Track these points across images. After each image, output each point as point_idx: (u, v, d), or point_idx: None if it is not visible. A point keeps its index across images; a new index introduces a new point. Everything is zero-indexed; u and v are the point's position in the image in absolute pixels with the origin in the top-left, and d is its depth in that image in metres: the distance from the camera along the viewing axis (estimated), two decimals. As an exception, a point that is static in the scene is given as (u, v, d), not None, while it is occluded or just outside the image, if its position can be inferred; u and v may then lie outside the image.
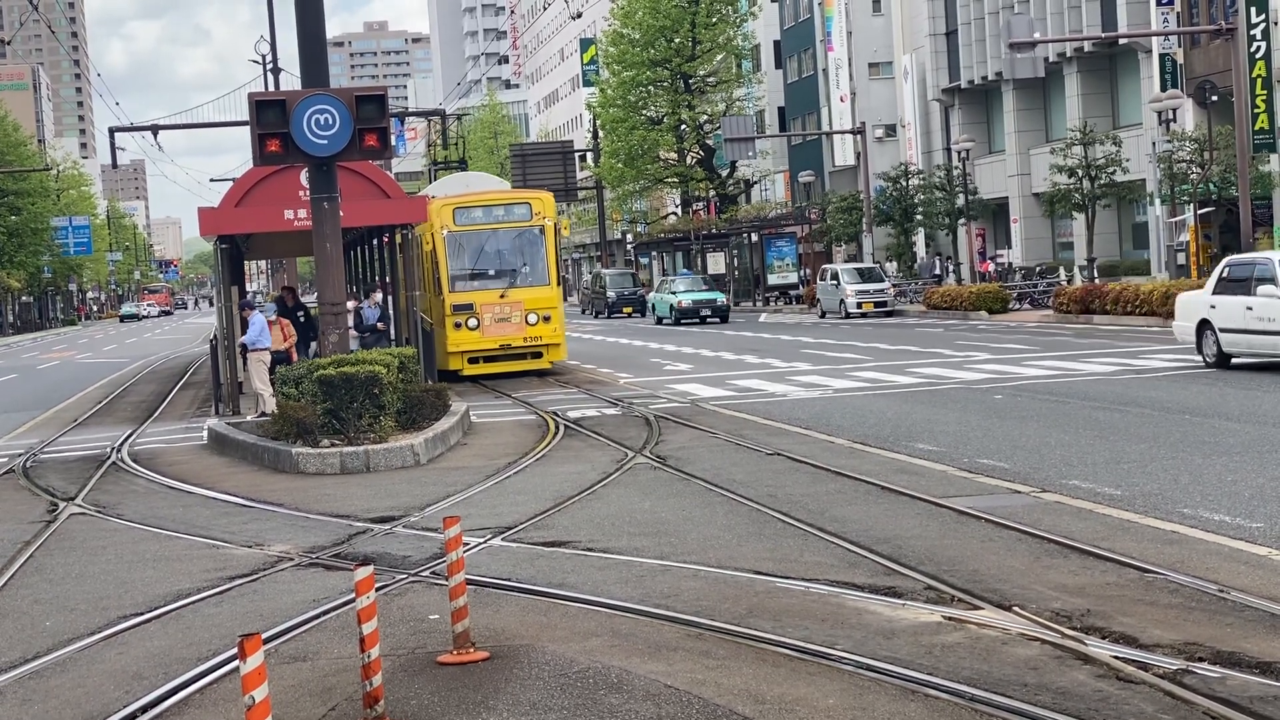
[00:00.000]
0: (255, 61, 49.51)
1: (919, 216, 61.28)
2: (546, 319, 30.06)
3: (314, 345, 24.72)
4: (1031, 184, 60.42)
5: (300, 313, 28.01)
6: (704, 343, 39.76)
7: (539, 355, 30.38)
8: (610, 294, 67.02)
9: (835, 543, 11.03)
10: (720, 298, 54.73)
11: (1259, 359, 22.73)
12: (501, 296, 29.91)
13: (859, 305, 50.58)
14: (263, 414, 22.53)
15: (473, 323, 29.76)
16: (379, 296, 28.96)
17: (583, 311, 74.09)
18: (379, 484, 16.02)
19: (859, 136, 64.77)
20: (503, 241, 30.64)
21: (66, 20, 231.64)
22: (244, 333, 23.80)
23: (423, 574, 10.80)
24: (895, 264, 64.00)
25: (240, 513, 14.78)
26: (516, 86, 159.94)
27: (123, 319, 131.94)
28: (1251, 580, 9.11)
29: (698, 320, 52.59)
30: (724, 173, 77.12)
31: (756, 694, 7.30)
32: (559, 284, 30.97)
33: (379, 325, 27.17)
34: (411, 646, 8.68)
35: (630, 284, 68.72)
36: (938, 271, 61.29)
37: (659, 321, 55.03)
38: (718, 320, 52.64)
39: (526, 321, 29.90)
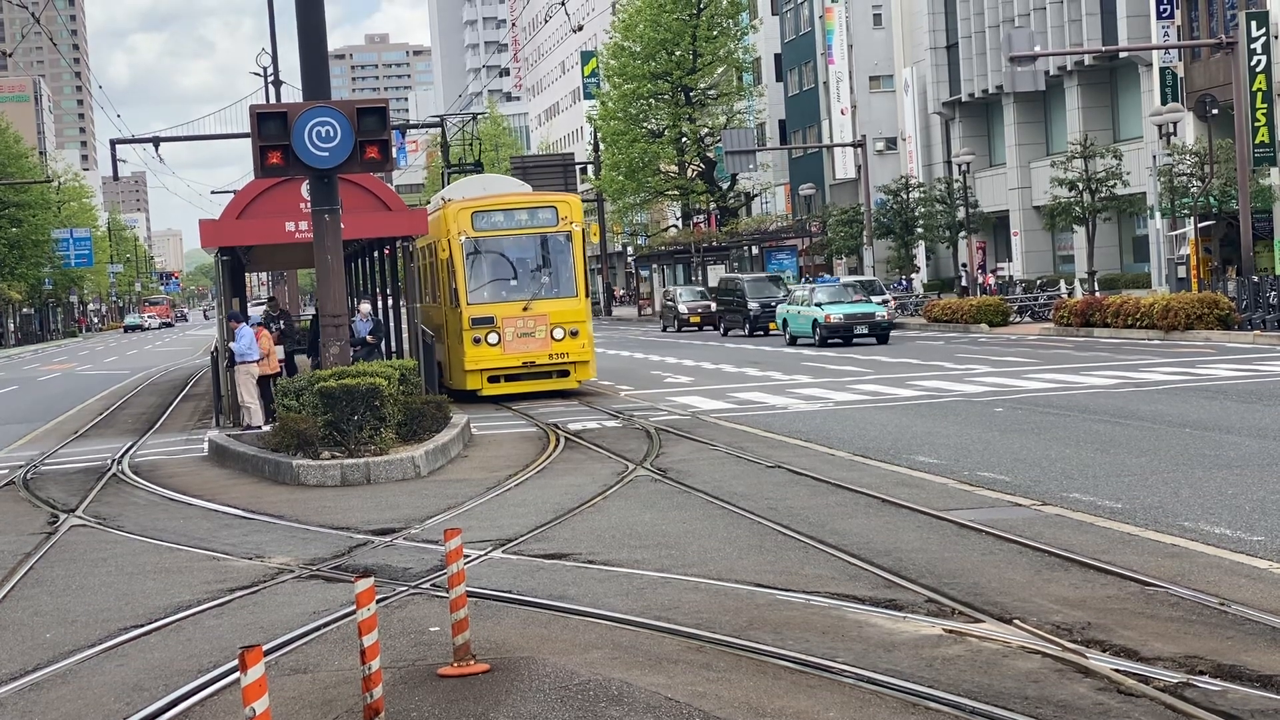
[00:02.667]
0: (257, 74, 49.59)
1: (919, 229, 61.36)
2: (574, 334, 27.48)
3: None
4: (1032, 197, 60.51)
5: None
6: (705, 355, 39.77)
7: (566, 374, 27.77)
8: (752, 305, 50.29)
9: (836, 555, 11.02)
10: (879, 311, 41.86)
11: None
12: (525, 309, 27.34)
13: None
14: (248, 426, 22.50)
15: (493, 338, 27.19)
16: (367, 309, 28.54)
17: (664, 328, 60.65)
18: (379, 496, 16.02)
19: (859, 149, 64.88)
20: (526, 249, 28.01)
21: (68, 32, 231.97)
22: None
23: (423, 586, 10.80)
24: (918, 273, 63.14)
25: (241, 525, 14.78)
26: (517, 99, 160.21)
27: (126, 329, 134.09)
28: (1253, 593, 9.10)
29: (843, 341, 40.33)
30: (725, 185, 77.22)
31: (757, 706, 7.30)
32: (587, 295, 28.41)
33: (369, 338, 26.78)
34: (412, 659, 8.67)
35: (774, 291, 51.41)
36: (964, 283, 60.72)
37: (792, 342, 42.60)
38: (874, 341, 40.40)
39: (552, 337, 27.32)
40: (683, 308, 58.33)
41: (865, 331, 40.47)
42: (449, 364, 28.38)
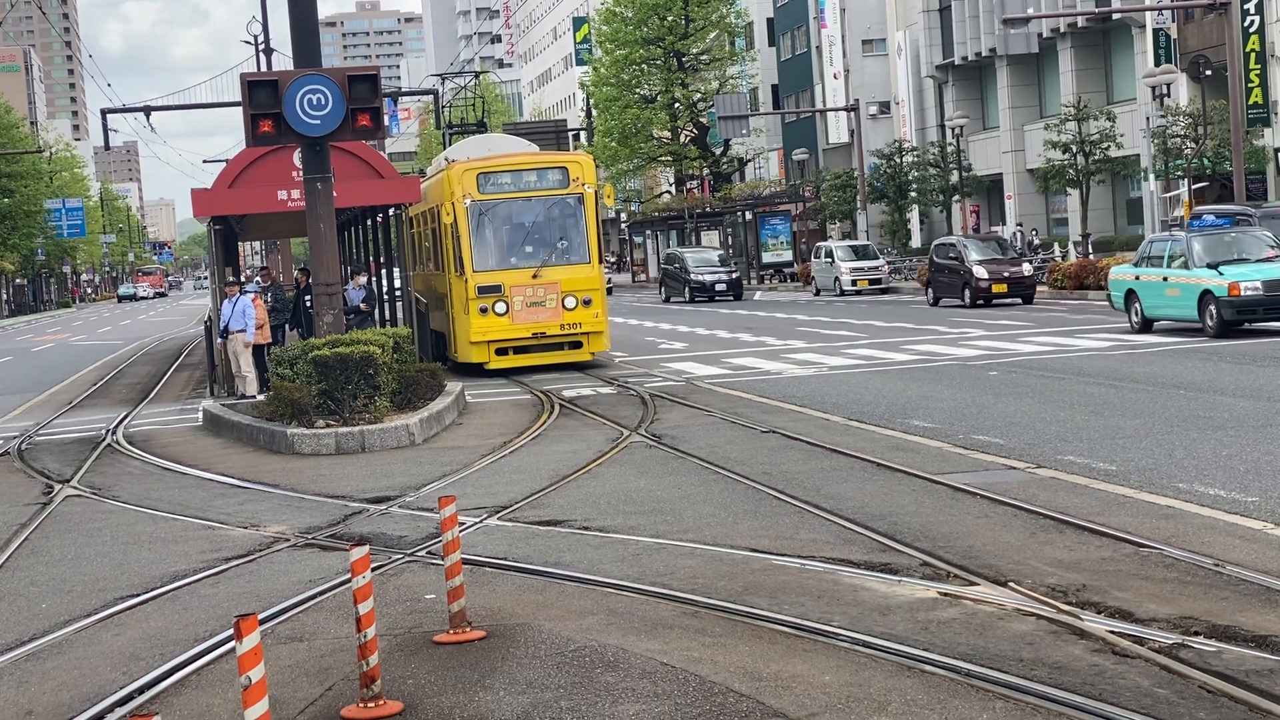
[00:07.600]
0: (248, 42, 49.34)
1: (913, 193, 61.23)
2: (587, 303, 25.94)
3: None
4: (1026, 160, 60.42)
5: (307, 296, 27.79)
6: (699, 321, 39.75)
7: (578, 345, 26.26)
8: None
9: (831, 520, 11.03)
10: None
11: None
12: (534, 277, 25.83)
13: (854, 282, 50.49)
14: (242, 396, 22.47)
15: (500, 307, 25.70)
16: (363, 279, 28.35)
17: (816, 292, 50.45)
18: (374, 464, 16.02)
19: (853, 114, 64.66)
20: (535, 212, 26.53)
21: (58, 1, 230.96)
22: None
23: (419, 554, 10.80)
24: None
25: (236, 494, 14.78)
26: (509, 66, 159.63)
27: (120, 299, 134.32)
28: (1247, 554, 9.11)
29: (1244, 329, 24.52)
30: (718, 151, 77.01)
31: (753, 671, 7.30)
32: (601, 261, 26.92)
33: (362, 306, 26.63)
34: (408, 626, 8.68)
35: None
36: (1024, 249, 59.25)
37: (1145, 327, 26.34)
38: None
39: (564, 306, 25.83)
40: (845, 274, 49.33)
41: None
42: (453, 335, 27.20)
